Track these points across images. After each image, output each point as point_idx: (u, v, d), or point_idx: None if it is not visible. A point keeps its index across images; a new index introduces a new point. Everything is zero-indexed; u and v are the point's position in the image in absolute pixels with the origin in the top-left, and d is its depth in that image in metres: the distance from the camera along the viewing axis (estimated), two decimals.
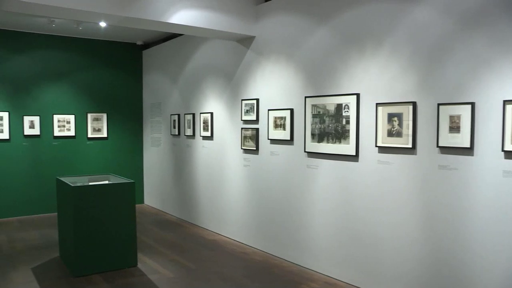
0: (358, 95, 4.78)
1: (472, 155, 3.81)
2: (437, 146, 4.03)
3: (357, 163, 4.84)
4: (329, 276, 5.21)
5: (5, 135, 8.50)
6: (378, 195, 4.61)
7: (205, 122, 7.52)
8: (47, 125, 8.94)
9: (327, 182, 5.23)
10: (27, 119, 8.72)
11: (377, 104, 4.55)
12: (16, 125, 8.62)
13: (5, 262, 5.88)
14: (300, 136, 5.59)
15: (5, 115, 8.49)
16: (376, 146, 4.59)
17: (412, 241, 4.29)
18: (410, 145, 4.24)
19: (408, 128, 4.26)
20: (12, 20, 7.79)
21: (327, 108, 5.14)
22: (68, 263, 5.58)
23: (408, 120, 4.25)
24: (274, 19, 5.99)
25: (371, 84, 4.66)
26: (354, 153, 4.83)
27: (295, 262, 5.72)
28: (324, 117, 5.18)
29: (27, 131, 8.73)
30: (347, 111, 4.90)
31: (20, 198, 8.70)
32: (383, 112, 4.49)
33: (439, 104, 3.99)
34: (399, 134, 4.34)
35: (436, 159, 4.07)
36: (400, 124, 4.33)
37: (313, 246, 5.43)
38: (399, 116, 4.33)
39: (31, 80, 8.77)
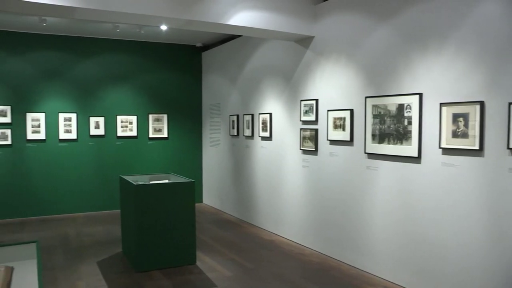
0: (420, 94, 4.63)
1: None
2: (508, 148, 3.82)
3: (419, 165, 4.69)
4: (388, 281, 5.08)
5: (73, 135, 8.94)
6: (442, 199, 4.44)
7: (264, 122, 7.56)
8: (111, 125, 9.31)
9: (387, 184, 5.11)
10: (93, 120, 9.13)
11: (441, 104, 4.38)
12: (82, 125, 9.05)
13: (74, 255, 6.18)
14: (360, 137, 5.49)
15: (74, 116, 8.93)
16: (439, 147, 4.42)
17: (478, 247, 4.09)
18: (477, 147, 4.05)
19: (474, 129, 4.07)
20: (79, 26, 8.18)
21: (388, 108, 5.01)
22: (130, 259, 5.78)
23: (475, 121, 4.06)
24: (334, 18, 5.92)
25: (435, 83, 4.50)
26: (416, 155, 4.68)
27: (353, 265, 5.62)
28: (385, 118, 5.06)
29: (93, 131, 9.14)
30: (409, 111, 4.76)
31: (86, 195, 9.12)
32: (447, 112, 4.32)
33: (510, 103, 3.78)
34: (464, 135, 4.16)
35: (506, 161, 3.86)
36: (466, 125, 4.14)
37: (373, 249, 5.32)
38: (465, 116, 4.15)
39: (96, 83, 9.17)
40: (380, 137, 5.14)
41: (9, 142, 8.46)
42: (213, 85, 9.65)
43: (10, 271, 2.55)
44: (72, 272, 5.50)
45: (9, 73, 8.49)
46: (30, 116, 8.62)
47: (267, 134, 7.46)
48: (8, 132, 8.44)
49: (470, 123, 4.10)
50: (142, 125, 9.62)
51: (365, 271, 5.42)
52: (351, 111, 5.60)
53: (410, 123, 4.75)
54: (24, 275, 2.57)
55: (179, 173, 8.60)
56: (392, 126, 4.97)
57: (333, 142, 5.93)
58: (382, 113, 5.10)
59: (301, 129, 6.55)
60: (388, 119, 5.02)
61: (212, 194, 9.86)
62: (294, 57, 6.71)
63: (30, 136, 8.62)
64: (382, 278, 5.17)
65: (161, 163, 9.72)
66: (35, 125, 8.65)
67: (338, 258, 5.89)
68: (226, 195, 9.13)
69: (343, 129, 5.71)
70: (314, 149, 6.28)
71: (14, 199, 8.57)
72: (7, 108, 8.44)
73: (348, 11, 5.67)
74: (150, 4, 5.17)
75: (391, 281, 5.05)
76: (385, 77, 5.10)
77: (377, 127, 5.18)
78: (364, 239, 5.45)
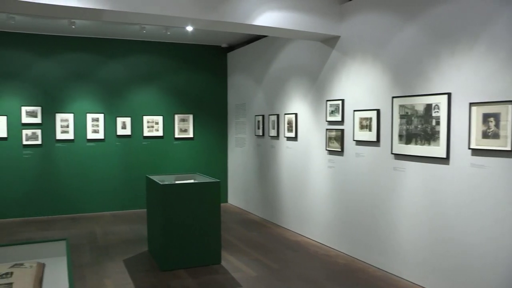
0: (449, 94, 4.55)
1: None
2: None
3: (447, 166, 4.60)
4: (415, 283, 5.00)
5: (100, 135, 9.09)
6: (471, 201, 4.34)
7: (289, 123, 7.54)
8: (137, 125, 9.43)
9: (415, 185, 5.03)
10: (119, 120, 9.26)
11: (471, 104, 4.29)
12: (110, 126, 9.20)
13: (101, 252, 6.29)
14: (386, 138, 5.42)
15: (101, 116, 9.08)
16: (469, 148, 4.33)
17: (509, 250, 3.99)
18: (509, 148, 3.95)
19: (506, 129, 3.97)
20: (107, 29, 8.31)
21: (416, 108, 4.94)
22: (156, 257, 5.83)
23: (507, 121, 3.96)
24: (360, 17, 5.87)
25: (464, 83, 4.41)
26: (444, 156, 4.60)
27: (380, 267, 5.55)
28: (412, 118, 4.98)
29: (120, 131, 9.27)
30: (437, 112, 4.67)
31: (113, 194, 9.26)
32: (477, 112, 4.23)
33: None
34: (495, 136, 4.06)
35: None
36: (497, 125, 4.05)
37: (400, 251, 5.24)
38: (496, 116, 4.05)
39: (123, 84, 9.31)
40: (407, 137, 5.07)
41: (39, 142, 8.66)
42: (239, 86, 9.68)
43: (42, 267, 2.61)
44: (100, 269, 5.59)
45: (40, 75, 8.69)
46: (59, 116, 8.80)
47: (292, 134, 7.44)
48: (38, 132, 8.64)
49: (502, 123, 4.00)
50: (168, 125, 9.71)
51: (392, 274, 5.35)
52: (378, 111, 5.53)
53: (438, 123, 4.67)
54: (55, 271, 2.62)
55: (204, 173, 8.64)
56: (420, 127, 4.89)
57: (359, 142, 5.88)
58: (409, 113, 5.03)
59: (327, 129, 6.51)
60: (416, 119, 4.94)
61: (237, 194, 9.88)
62: (320, 57, 6.67)
63: (59, 136, 8.81)
64: (409, 281, 5.09)
65: (187, 163, 9.79)
66: (64, 125, 8.83)
67: (364, 260, 5.83)
68: (251, 195, 9.14)
69: (370, 130, 5.66)
70: (340, 150, 6.24)
71: (44, 197, 8.77)
72: (38, 109, 8.64)
73: (375, 10, 5.61)
74: (176, 6, 5.22)
75: (418, 284, 4.97)
76: (413, 76, 5.03)
77: (404, 127, 5.10)
78: (391, 240, 5.38)
